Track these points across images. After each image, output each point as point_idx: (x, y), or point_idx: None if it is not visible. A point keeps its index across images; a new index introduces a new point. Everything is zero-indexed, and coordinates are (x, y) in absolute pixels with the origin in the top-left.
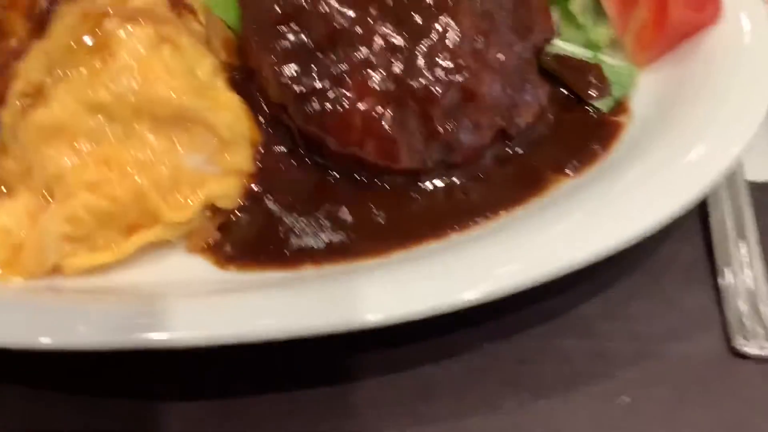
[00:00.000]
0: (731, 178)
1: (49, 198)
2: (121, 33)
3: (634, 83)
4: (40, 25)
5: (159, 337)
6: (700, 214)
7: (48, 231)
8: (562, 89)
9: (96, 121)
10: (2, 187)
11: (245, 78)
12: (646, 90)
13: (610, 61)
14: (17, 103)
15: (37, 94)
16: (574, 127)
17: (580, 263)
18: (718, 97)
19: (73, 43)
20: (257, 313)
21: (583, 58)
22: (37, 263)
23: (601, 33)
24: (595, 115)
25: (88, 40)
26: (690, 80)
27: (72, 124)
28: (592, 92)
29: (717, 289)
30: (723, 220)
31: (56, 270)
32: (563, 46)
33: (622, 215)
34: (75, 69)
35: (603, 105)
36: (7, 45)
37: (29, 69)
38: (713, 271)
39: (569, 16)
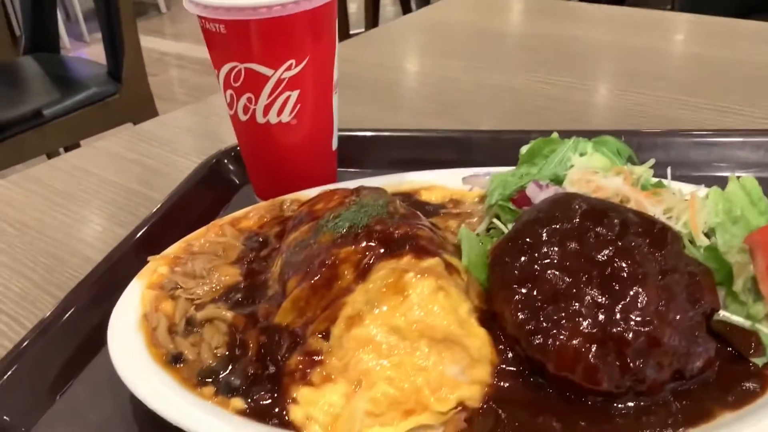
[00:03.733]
0: None
1: (358, 386)
2: (414, 282)
3: None
4: (363, 273)
5: None
6: None
7: (357, 408)
8: (728, 347)
9: (393, 338)
10: (331, 376)
11: (490, 318)
12: None
13: (765, 329)
14: (343, 323)
15: (357, 317)
16: (736, 375)
17: None
18: None
19: (383, 287)
20: None
21: (745, 326)
22: (348, 429)
23: (759, 309)
24: (752, 368)
25: (393, 285)
26: None
27: (378, 339)
28: (751, 351)
29: None
30: None
31: None
32: (729, 315)
33: None
34: (383, 303)
35: (759, 361)
36: (339, 285)
37: (354, 301)
38: None
39: (733, 294)
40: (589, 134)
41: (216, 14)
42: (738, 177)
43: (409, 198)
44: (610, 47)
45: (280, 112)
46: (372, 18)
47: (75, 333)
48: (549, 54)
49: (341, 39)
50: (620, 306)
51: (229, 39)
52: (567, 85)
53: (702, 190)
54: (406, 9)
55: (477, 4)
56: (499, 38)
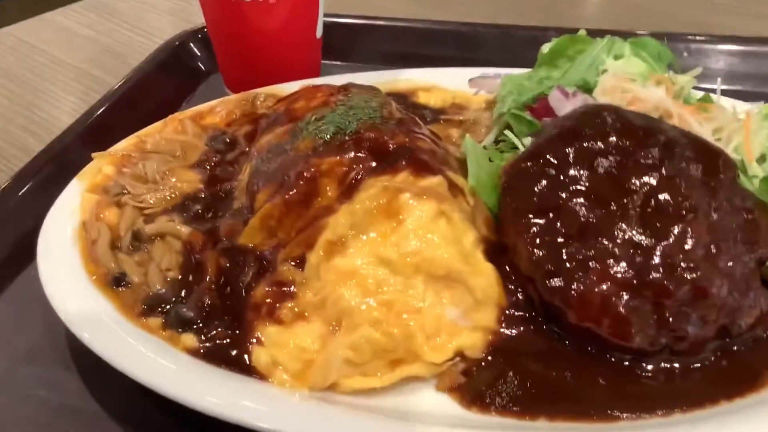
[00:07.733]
0: None
1: (337, 327)
2: (411, 205)
3: None
4: (348, 190)
5: None
6: None
7: (334, 354)
8: None
9: (382, 272)
10: (305, 313)
11: (499, 252)
12: None
13: None
14: (322, 249)
15: (339, 244)
16: None
17: None
18: None
19: (373, 209)
20: None
21: None
22: (322, 379)
23: None
24: None
25: (385, 207)
26: None
27: (363, 271)
28: None
29: None
30: None
31: (332, 387)
32: None
33: None
34: (371, 228)
35: None
36: (320, 203)
37: (336, 224)
38: None
39: None
40: (623, 35)
41: None
42: None
43: (404, 100)
44: None
45: None
46: None
47: (2, 239)
48: None
49: None
50: (662, 247)
51: None
52: None
53: (758, 107)
54: None
55: None
56: None
